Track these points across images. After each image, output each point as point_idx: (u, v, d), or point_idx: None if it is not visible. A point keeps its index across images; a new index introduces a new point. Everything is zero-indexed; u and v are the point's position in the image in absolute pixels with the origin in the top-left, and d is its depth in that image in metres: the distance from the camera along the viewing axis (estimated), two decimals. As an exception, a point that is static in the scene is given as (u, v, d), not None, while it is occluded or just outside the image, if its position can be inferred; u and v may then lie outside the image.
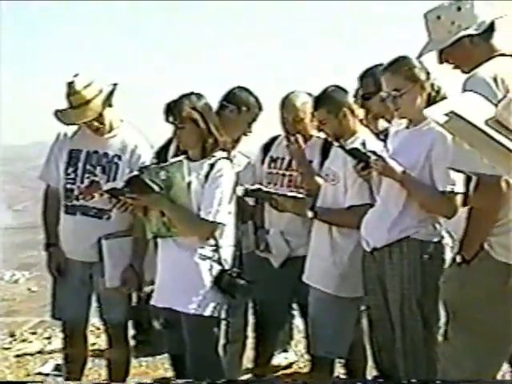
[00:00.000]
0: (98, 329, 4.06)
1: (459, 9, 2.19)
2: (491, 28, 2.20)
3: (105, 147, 2.93)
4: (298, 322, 3.60)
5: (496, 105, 1.74)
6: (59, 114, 2.88)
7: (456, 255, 2.20)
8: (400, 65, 2.55)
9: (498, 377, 2.34)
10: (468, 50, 2.19)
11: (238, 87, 3.23)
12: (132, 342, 3.64)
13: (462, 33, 2.18)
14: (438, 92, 2.56)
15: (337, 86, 2.90)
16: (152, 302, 2.76)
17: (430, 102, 2.50)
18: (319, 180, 2.93)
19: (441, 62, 2.26)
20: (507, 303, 2.12)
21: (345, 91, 2.90)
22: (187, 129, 2.64)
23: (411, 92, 2.53)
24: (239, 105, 3.15)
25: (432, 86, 2.57)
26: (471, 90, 1.94)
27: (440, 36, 2.21)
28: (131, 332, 3.66)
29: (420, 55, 2.30)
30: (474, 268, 2.14)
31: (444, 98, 2.50)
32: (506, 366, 2.54)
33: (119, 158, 2.92)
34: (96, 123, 2.86)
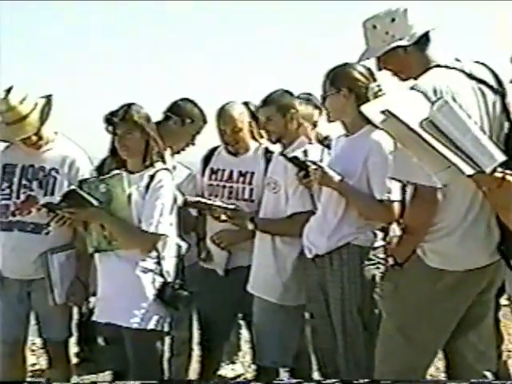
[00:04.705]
0: (40, 348, 3.74)
1: (393, 20, 2.19)
2: (426, 39, 2.18)
3: (41, 161, 2.70)
4: (246, 332, 3.42)
5: (432, 105, 1.67)
6: None
7: (388, 257, 2.19)
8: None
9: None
10: (402, 58, 2.19)
11: (183, 99, 3.07)
12: (75, 360, 3.39)
13: (394, 43, 2.18)
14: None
15: (287, 91, 2.80)
16: (94, 318, 2.56)
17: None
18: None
19: (379, 69, 2.26)
20: (436, 306, 2.09)
21: (294, 97, 2.80)
22: (134, 136, 2.48)
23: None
24: (183, 116, 2.98)
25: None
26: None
27: (376, 44, 2.21)
28: (74, 349, 3.41)
29: (358, 62, 2.30)
30: (407, 272, 2.11)
31: None
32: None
33: (57, 171, 2.70)
34: (34, 138, 2.63)
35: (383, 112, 1.63)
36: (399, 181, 2.08)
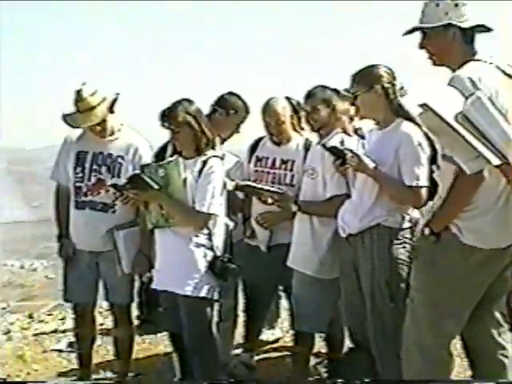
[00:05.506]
0: (106, 310, 4.11)
1: (456, 5, 2.23)
2: (473, 34, 2.23)
3: (109, 149, 3.00)
4: (284, 302, 3.66)
5: (466, 99, 1.75)
6: (67, 118, 2.93)
7: (424, 228, 2.24)
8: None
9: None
10: (448, 42, 2.21)
11: (229, 92, 3.28)
12: (136, 322, 3.72)
13: (450, 20, 2.20)
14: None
15: (326, 87, 2.95)
16: (153, 286, 2.80)
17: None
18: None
19: (421, 46, 2.27)
20: (467, 280, 2.19)
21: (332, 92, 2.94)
22: (183, 132, 2.70)
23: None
24: (228, 108, 3.20)
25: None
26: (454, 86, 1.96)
27: (430, 20, 2.23)
28: (135, 313, 3.74)
29: (408, 32, 2.28)
30: (443, 249, 2.19)
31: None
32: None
33: (122, 158, 2.98)
34: (99, 127, 2.92)
35: (421, 106, 1.72)
36: (450, 159, 2.08)
